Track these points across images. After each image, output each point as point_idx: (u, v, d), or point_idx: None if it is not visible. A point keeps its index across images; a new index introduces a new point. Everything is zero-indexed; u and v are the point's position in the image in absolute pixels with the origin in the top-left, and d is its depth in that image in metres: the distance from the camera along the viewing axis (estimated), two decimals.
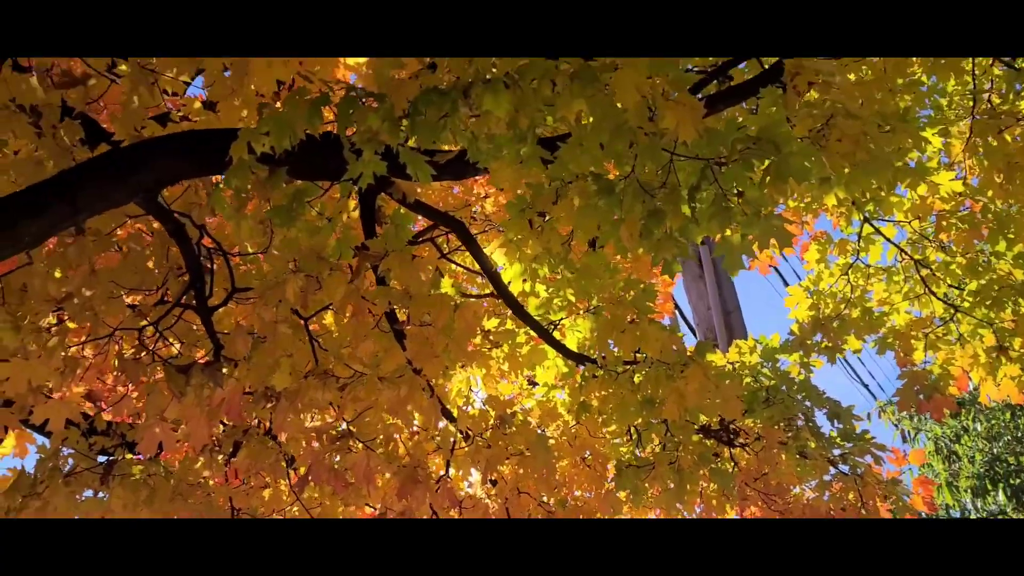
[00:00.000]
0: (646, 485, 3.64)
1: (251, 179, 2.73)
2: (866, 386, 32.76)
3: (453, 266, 5.20)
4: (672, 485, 3.52)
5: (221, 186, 2.58)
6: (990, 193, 3.59)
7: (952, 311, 4.21)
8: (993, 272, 4.07)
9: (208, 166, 2.65)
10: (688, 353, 3.52)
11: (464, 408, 4.16)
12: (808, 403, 5.45)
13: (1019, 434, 14.02)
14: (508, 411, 3.71)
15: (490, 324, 4.37)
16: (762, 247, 2.99)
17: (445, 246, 5.15)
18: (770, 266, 7.32)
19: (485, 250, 3.56)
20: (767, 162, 2.78)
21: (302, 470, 3.79)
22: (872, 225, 4.21)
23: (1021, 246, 4.07)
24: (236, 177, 2.55)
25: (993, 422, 14.27)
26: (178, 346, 3.71)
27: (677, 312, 15.50)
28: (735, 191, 2.96)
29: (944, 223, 3.91)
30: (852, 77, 4.21)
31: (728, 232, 2.98)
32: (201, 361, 3.41)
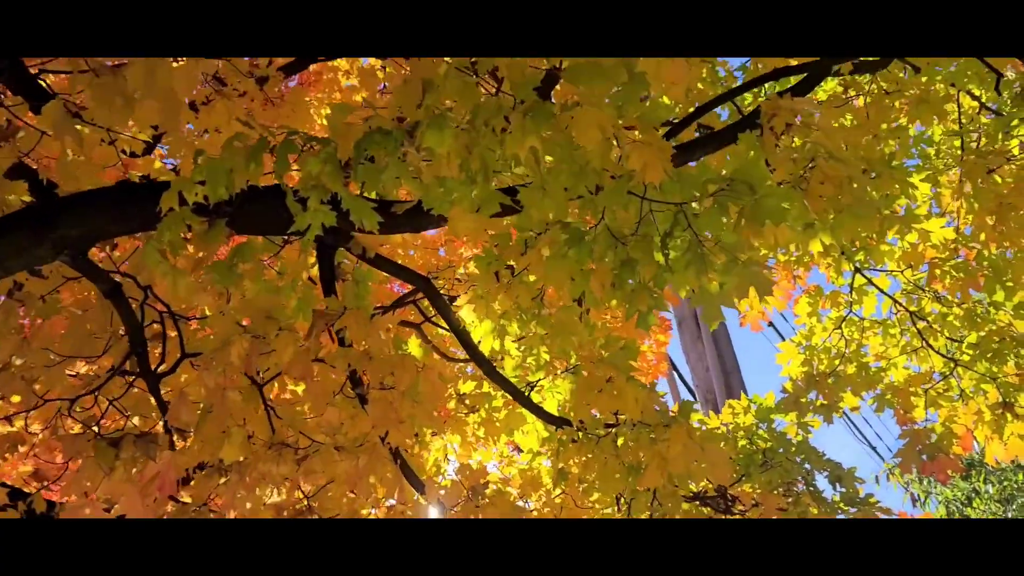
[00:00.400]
0: None
1: (189, 233, 2.55)
2: (873, 448, 32.12)
3: (440, 330, 5.00)
4: None
5: (152, 241, 2.38)
6: (983, 237, 3.41)
7: (952, 365, 3.98)
8: (992, 323, 3.85)
9: (138, 220, 2.46)
10: (671, 413, 3.29)
11: (437, 479, 3.89)
12: (808, 466, 5.17)
13: None
14: (481, 481, 3.44)
15: (466, 387, 4.14)
16: (740, 296, 2.79)
17: (430, 309, 4.96)
18: (767, 324, 7.12)
19: (455, 308, 3.36)
20: (742, 205, 2.60)
21: None
22: (864, 275, 4.02)
23: (1021, 295, 3.87)
24: (169, 230, 2.37)
25: (1005, 483, 13.83)
26: (135, 419, 3.48)
27: (675, 374, 15.24)
28: (712, 239, 2.78)
29: (937, 271, 3.72)
30: (835, 124, 4.08)
31: (708, 282, 2.78)
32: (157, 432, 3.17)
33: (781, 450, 5.17)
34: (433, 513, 3.44)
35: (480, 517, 3.39)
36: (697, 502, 5.42)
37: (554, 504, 4.17)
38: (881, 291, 4.06)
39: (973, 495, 14.11)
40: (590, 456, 3.29)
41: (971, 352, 3.87)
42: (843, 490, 5.22)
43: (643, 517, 3.43)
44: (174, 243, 2.42)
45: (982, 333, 3.83)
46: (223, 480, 3.35)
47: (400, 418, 3.17)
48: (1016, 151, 3.36)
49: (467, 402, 4.08)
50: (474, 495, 3.43)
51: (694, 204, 2.71)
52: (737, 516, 5.12)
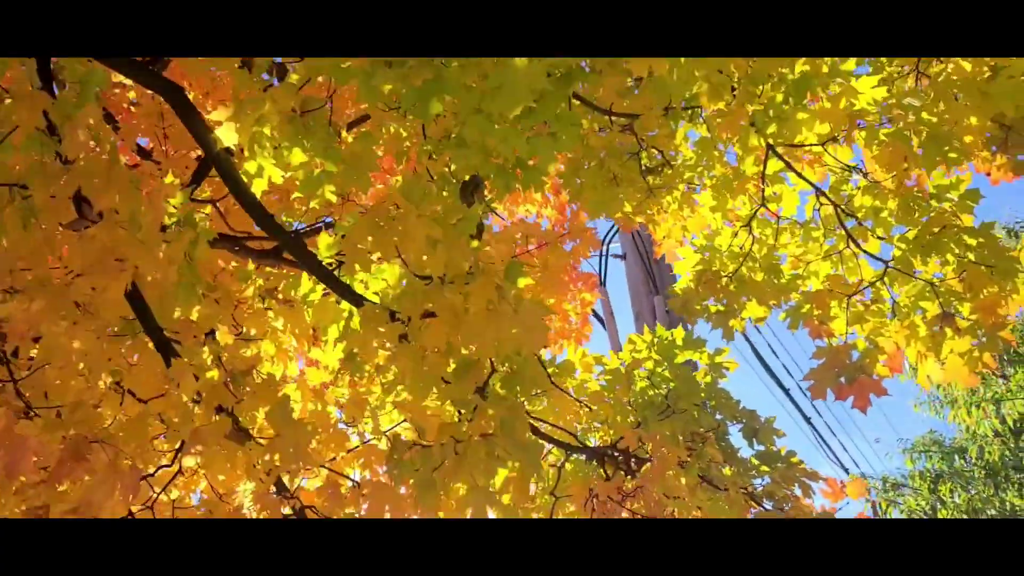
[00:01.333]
0: (436, 475, 2.51)
1: None
2: (845, 468, 31.35)
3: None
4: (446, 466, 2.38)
5: None
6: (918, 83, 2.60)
7: (884, 267, 3.18)
8: (930, 211, 3.08)
9: None
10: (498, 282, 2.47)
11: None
12: (719, 415, 4.35)
13: (1005, 509, 12.79)
14: (245, 367, 2.61)
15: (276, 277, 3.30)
16: None
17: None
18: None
19: (212, 125, 2.53)
20: None
21: None
22: (779, 156, 3.22)
23: (966, 180, 3.10)
24: None
25: (974, 494, 13.06)
26: None
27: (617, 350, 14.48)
28: None
29: (863, 133, 2.94)
30: None
31: None
32: None
33: (691, 397, 4.35)
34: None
35: (237, 406, 2.56)
36: (594, 461, 4.60)
37: (380, 432, 3.34)
38: (800, 175, 3.25)
39: (939, 506, 13.33)
40: (383, 330, 2.46)
41: (904, 246, 3.09)
42: (761, 447, 4.40)
43: (466, 418, 2.58)
44: None
45: (918, 228, 3.05)
46: None
47: (121, 265, 2.36)
48: None
49: (278, 295, 3.25)
50: (234, 382, 2.60)
51: None
52: (638, 477, 4.29)
